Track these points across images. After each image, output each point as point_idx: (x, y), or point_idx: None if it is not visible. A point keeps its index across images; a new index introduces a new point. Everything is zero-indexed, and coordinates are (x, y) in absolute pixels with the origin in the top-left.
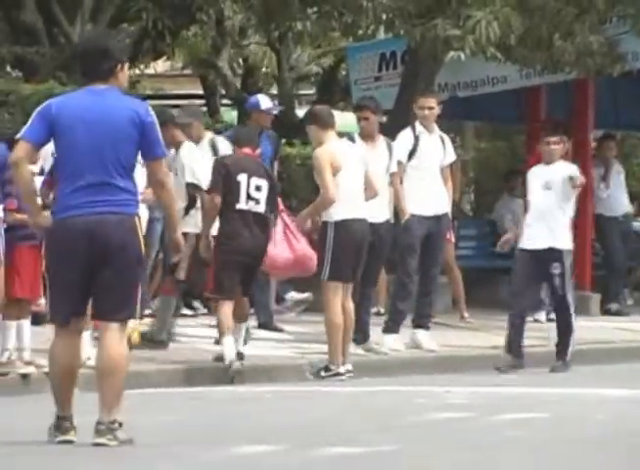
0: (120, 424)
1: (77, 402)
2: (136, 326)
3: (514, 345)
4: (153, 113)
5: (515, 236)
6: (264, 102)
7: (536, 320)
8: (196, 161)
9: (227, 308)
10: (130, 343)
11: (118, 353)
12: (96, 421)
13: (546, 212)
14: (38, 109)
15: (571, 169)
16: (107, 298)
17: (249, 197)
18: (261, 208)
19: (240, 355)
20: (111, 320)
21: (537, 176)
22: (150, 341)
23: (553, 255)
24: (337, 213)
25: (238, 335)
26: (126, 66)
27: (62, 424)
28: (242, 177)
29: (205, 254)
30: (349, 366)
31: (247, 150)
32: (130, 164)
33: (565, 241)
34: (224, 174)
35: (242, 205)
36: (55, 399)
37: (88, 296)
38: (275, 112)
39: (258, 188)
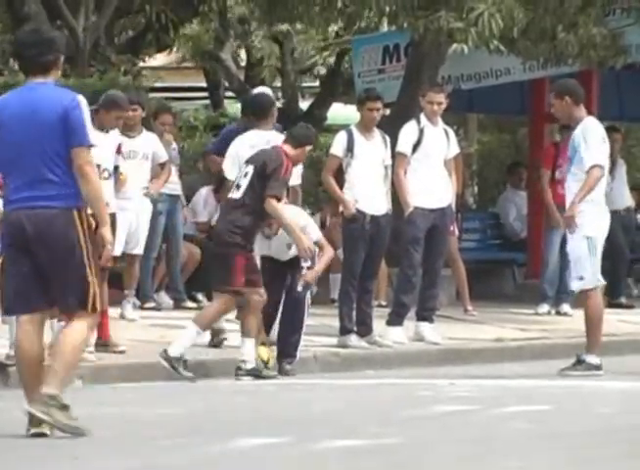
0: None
1: (84, 395)
2: None
3: None
4: (81, 102)
5: None
6: None
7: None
8: None
9: None
10: None
11: (66, 340)
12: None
13: None
14: None
15: None
16: (52, 289)
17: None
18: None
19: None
20: (62, 311)
21: None
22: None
23: None
24: None
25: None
26: (61, 60)
27: (33, 417)
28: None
29: None
30: None
31: None
32: (64, 157)
33: None
34: None
35: None
36: (24, 390)
37: (45, 287)
38: None
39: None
